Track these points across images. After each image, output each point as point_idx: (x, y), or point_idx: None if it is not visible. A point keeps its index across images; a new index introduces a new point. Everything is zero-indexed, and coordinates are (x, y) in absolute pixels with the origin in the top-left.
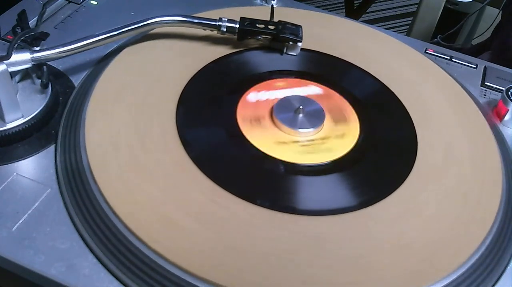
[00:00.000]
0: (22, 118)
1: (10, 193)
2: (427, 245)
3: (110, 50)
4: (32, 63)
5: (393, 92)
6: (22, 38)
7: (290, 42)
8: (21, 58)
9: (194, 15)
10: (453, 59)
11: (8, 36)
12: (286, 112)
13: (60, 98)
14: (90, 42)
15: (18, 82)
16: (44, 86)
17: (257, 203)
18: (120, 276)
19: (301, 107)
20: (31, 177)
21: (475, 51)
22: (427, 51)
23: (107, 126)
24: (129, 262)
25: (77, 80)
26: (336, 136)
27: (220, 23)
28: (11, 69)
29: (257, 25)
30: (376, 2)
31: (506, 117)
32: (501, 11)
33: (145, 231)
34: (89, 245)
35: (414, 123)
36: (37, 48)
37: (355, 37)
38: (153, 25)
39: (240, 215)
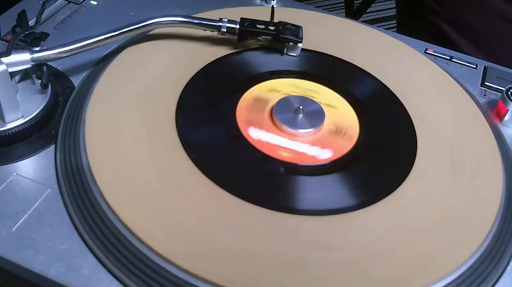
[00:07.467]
0: (22, 119)
1: (10, 193)
2: (426, 245)
3: (110, 50)
4: (32, 63)
5: (393, 92)
6: (22, 35)
7: (291, 43)
8: (21, 59)
9: (194, 15)
10: (453, 59)
11: (8, 37)
12: (286, 113)
13: (60, 98)
14: (90, 43)
15: (18, 82)
16: (44, 86)
17: (257, 203)
18: (120, 276)
19: (301, 107)
20: (31, 177)
21: None
22: (427, 51)
23: (107, 126)
24: (129, 262)
25: (77, 80)
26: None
27: (220, 23)
28: (11, 69)
29: (257, 25)
30: (376, 2)
31: (506, 118)
32: None
33: (145, 231)
34: (89, 245)
35: (414, 124)
36: (37, 49)
37: (355, 37)
38: (153, 26)
39: (240, 215)
